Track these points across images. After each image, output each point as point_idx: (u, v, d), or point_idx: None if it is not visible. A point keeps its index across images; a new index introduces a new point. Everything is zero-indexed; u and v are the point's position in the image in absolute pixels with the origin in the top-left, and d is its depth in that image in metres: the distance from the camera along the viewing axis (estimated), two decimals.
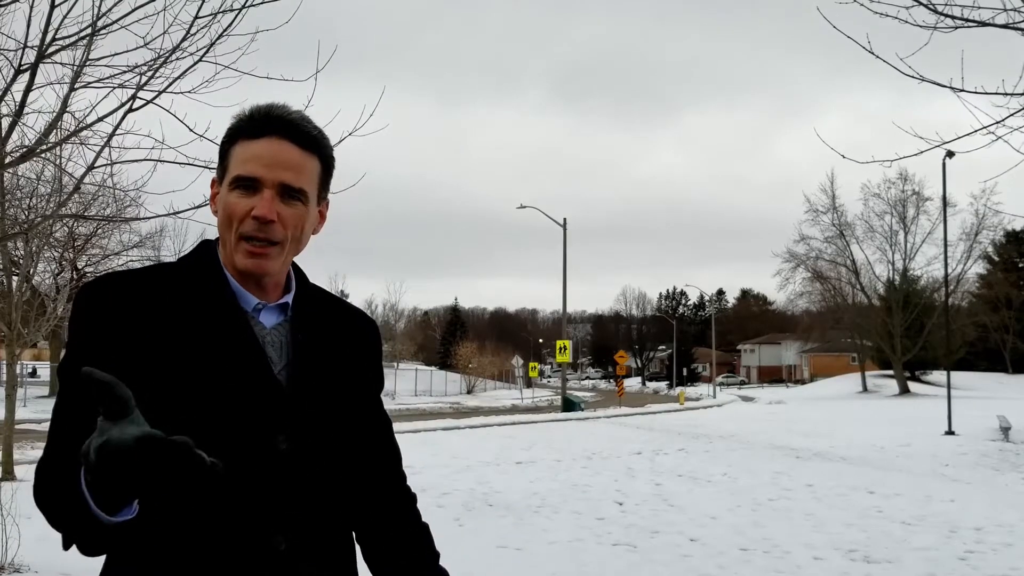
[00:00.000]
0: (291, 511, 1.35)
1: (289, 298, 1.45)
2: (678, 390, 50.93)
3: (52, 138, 5.22)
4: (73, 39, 4.85)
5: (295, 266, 1.50)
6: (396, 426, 1.70)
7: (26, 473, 9.73)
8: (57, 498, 1.21)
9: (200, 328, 1.34)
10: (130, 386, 1.03)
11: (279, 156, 1.36)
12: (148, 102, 4.90)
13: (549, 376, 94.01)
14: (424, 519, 1.66)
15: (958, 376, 40.12)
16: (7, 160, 5.36)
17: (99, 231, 17.62)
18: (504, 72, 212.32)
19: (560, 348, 33.91)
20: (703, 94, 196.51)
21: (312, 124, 1.42)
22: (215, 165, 1.47)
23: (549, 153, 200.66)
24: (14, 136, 5.43)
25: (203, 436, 1.27)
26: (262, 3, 4.81)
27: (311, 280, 1.55)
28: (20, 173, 8.19)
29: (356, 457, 1.49)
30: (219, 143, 1.45)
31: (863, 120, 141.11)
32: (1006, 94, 6.36)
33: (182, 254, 1.49)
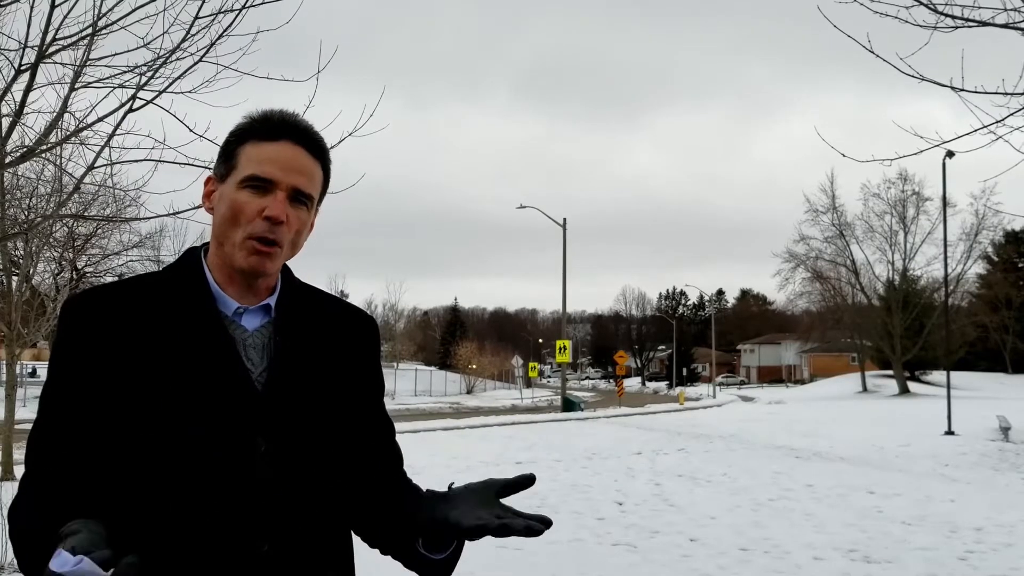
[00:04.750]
0: (274, 513, 1.34)
1: (272, 300, 1.44)
2: (678, 390, 50.95)
3: (52, 138, 5.21)
4: (73, 39, 4.85)
5: (283, 266, 1.49)
6: (396, 426, 1.67)
7: None
8: (27, 548, 1.26)
9: (177, 336, 1.34)
10: (111, 403, 1.12)
11: (295, 161, 1.39)
12: (148, 102, 4.90)
13: (549, 376, 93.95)
14: None
15: (958, 376, 40.12)
16: (7, 160, 5.36)
17: (99, 231, 17.54)
18: (470, 74, 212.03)
19: (560, 348, 33.89)
20: (677, 96, 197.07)
21: (320, 135, 1.45)
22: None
23: (540, 153, 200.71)
24: (14, 136, 5.43)
25: (182, 442, 1.30)
26: (262, 3, 4.82)
27: (305, 281, 1.54)
28: (20, 173, 8.19)
29: (345, 457, 1.45)
30: (223, 140, 1.44)
31: (836, 119, 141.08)
32: (1006, 94, 6.36)
33: (177, 256, 1.49)
